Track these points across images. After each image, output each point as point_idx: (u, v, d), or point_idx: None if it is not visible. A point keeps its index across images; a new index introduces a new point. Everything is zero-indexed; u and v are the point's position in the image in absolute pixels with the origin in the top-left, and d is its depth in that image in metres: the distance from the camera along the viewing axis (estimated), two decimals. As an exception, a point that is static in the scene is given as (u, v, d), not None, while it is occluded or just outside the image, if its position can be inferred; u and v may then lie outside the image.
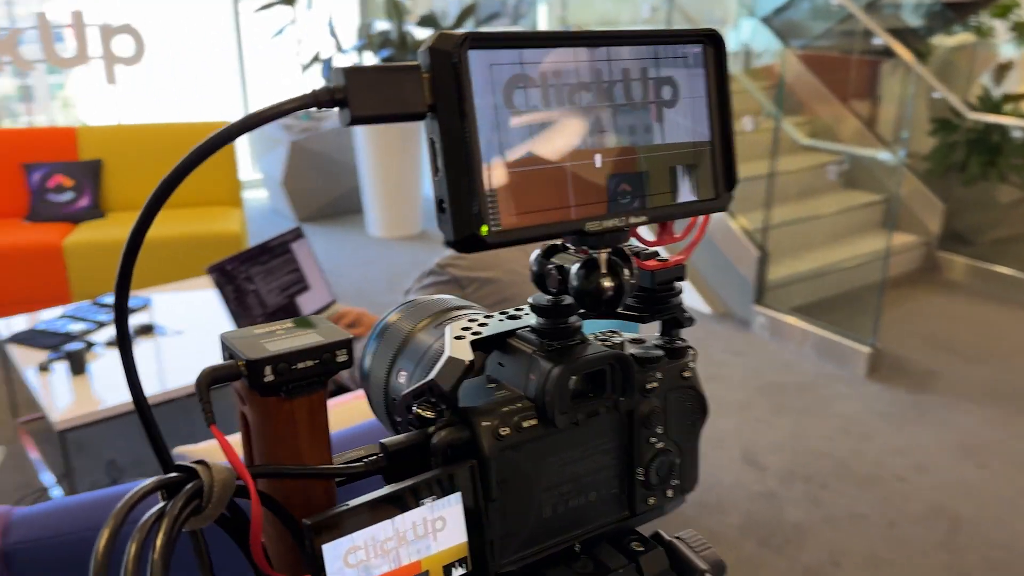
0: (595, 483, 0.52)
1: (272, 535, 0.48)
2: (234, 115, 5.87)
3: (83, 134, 4.14)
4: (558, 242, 0.50)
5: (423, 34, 5.22)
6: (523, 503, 0.49)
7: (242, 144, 5.92)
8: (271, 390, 0.46)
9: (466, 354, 0.49)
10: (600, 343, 0.52)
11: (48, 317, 2.82)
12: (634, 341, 0.55)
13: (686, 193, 0.49)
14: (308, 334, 0.48)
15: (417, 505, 0.45)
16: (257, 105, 0.39)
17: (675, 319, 0.55)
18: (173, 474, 0.43)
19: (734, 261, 4.01)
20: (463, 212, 0.41)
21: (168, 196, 0.39)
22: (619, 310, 0.53)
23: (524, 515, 0.50)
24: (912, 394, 3.24)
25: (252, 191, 6.24)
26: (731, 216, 4.04)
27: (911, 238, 4.60)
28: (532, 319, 0.51)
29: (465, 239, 0.41)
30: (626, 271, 0.47)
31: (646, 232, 0.52)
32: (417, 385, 0.49)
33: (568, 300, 0.50)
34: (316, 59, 5.25)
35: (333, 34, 5.23)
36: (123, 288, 0.41)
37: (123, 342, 0.42)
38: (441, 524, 0.46)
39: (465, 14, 5.23)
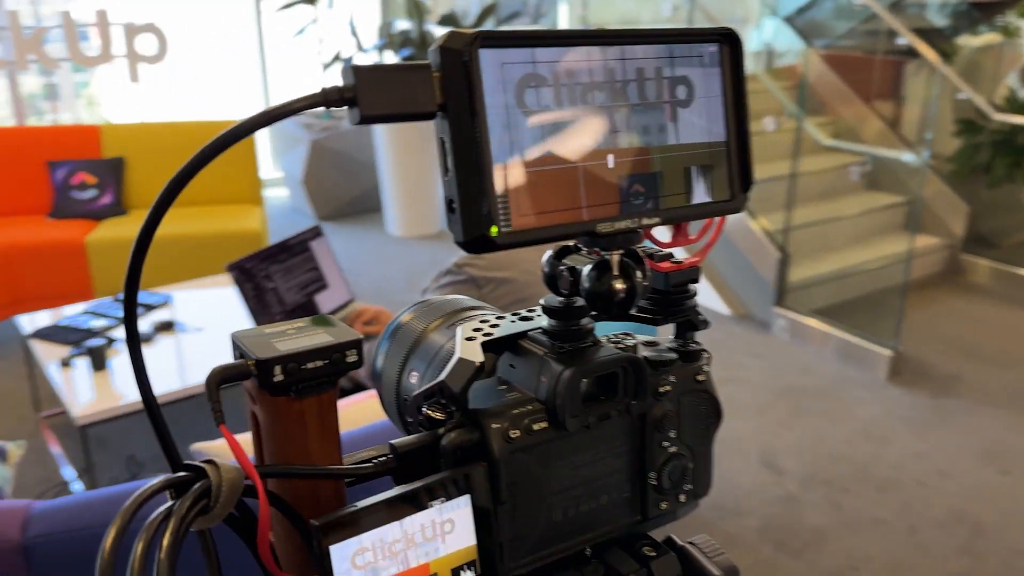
0: (607, 487, 0.52)
1: (281, 535, 0.48)
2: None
3: (106, 132, 4.18)
4: (571, 243, 0.49)
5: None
6: (533, 506, 0.49)
7: (263, 143, 5.96)
8: (281, 390, 0.45)
9: (476, 355, 0.49)
10: (612, 345, 0.52)
11: (70, 313, 2.85)
12: (648, 344, 0.54)
13: (701, 194, 0.48)
14: (318, 334, 0.48)
15: (426, 507, 0.45)
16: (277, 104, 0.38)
17: (690, 322, 0.55)
18: (181, 473, 0.42)
19: (754, 262, 3.99)
20: (473, 212, 0.40)
21: (177, 194, 0.39)
22: (632, 312, 0.52)
23: (534, 518, 0.49)
24: (934, 398, 3.20)
25: (273, 189, 6.28)
26: (752, 217, 4.01)
27: (934, 240, 4.55)
28: (544, 321, 0.51)
29: (475, 240, 0.41)
30: (638, 273, 0.46)
31: (661, 233, 0.51)
32: (427, 386, 0.49)
33: (580, 302, 0.49)
34: (337, 58, 5.28)
35: (354, 33, 5.25)
36: (132, 286, 0.41)
37: (132, 340, 0.42)
38: (450, 526, 0.46)
39: (486, 13, 5.23)
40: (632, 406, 0.50)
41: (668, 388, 0.52)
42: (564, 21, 5.89)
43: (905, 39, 4.11)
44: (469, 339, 0.51)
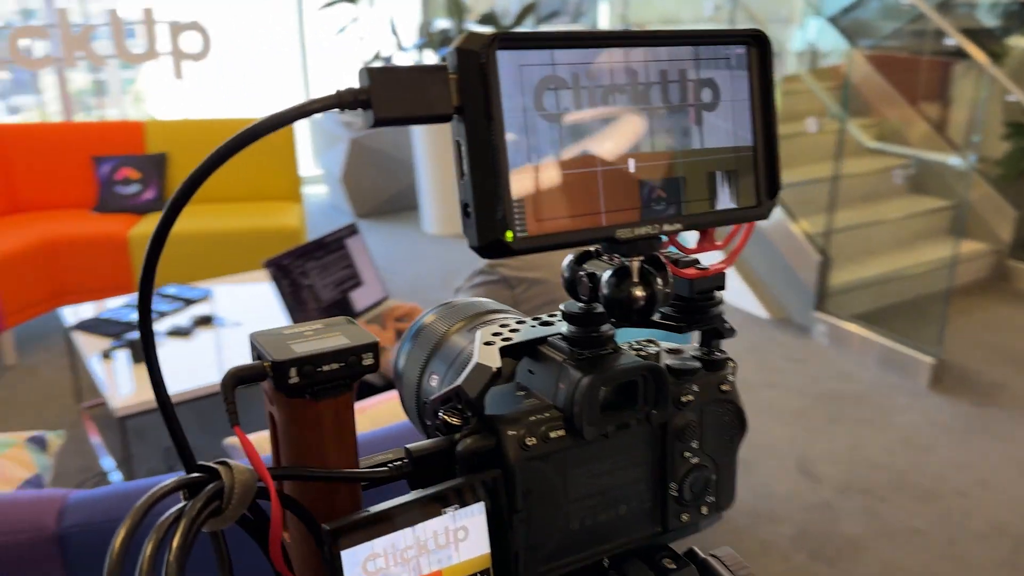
0: (626, 497, 0.51)
1: (295, 538, 0.48)
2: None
3: (150, 128, 4.25)
4: (592, 248, 0.48)
5: (483, 32, 5.22)
6: (549, 515, 0.48)
7: (303, 140, 6.01)
8: (297, 392, 0.45)
9: (494, 361, 0.48)
10: (634, 353, 0.51)
11: (113, 306, 2.90)
12: (671, 351, 0.53)
13: (725, 200, 0.47)
14: (336, 336, 0.47)
15: (440, 513, 0.44)
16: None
17: (715, 330, 0.53)
18: (195, 474, 0.42)
19: (794, 266, 3.93)
20: (488, 217, 0.39)
21: (193, 193, 0.39)
22: (655, 319, 0.51)
23: (550, 527, 0.48)
24: (976, 407, 3.13)
25: (312, 187, 6.34)
26: (792, 219, 3.95)
27: (981, 246, 4.44)
28: (564, 326, 0.50)
29: (489, 244, 0.40)
30: (659, 280, 0.45)
31: (688, 239, 0.50)
32: (444, 391, 0.48)
33: (600, 308, 0.48)
34: (377, 57, 5.31)
35: (394, 32, 5.28)
36: (146, 286, 0.40)
37: (146, 340, 0.42)
38: (464, 534, 0.45)
39: (525, 12, 5.22)
40: (653, 415, 0.49)
41: (691, 397, 0.51)
42: (604, 20, 5.86)
43: (953, 40, 4.01)
44: (488, 343, 0.50)
